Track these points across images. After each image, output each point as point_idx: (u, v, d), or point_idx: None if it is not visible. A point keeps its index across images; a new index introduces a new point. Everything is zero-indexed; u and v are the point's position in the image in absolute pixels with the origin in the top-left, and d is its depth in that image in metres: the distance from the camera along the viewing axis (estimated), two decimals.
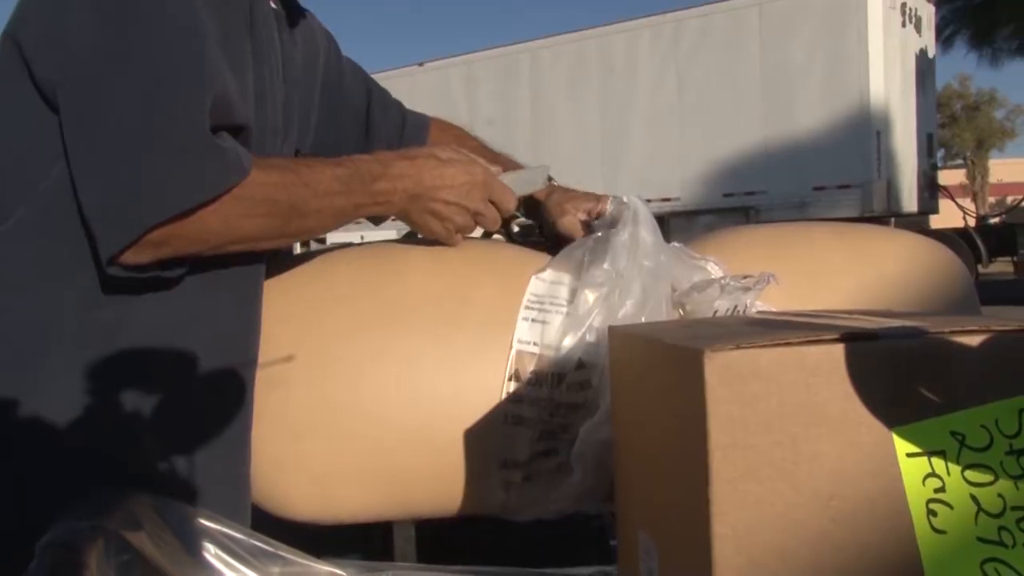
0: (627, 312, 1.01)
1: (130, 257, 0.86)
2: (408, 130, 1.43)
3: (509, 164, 1.31)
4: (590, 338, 1.01)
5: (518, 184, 1.17)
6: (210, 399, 0.98)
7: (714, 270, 1.08)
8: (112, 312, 0.93)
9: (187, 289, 0.96)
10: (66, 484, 0.86)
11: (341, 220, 1.02)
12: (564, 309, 1.04)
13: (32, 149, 0.93)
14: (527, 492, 1.02)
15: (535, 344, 1.03)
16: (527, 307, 1.05)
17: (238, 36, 0.99)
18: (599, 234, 1.09)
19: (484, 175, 1.11)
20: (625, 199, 1.10)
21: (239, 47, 0.99)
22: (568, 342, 1.02)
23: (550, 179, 1.27)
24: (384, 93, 1.46)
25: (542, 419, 1.01)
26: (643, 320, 1.00)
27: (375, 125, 1.38)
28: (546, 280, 1.08)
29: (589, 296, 1.02)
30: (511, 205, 1.15)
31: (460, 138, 1.44)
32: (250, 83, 1.01)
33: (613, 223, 1.09)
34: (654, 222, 1.08)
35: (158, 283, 0.93)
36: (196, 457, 0.95)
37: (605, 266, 1.04)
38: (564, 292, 1.06)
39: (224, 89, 0.90)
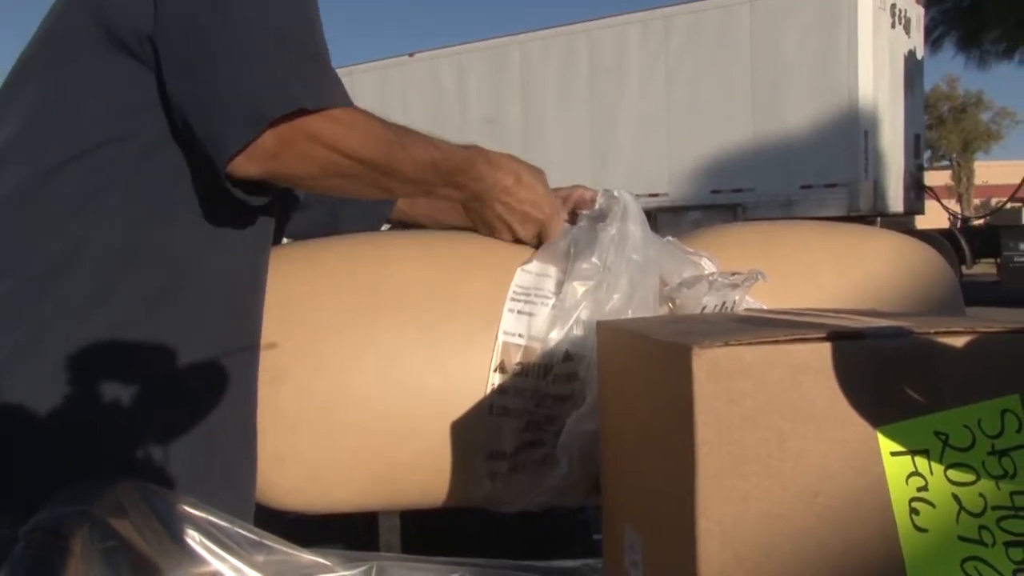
0: (614, 306, 1.01)
1: (242, 164, 0.89)
2: None
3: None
4: (577, 331, 1.02)
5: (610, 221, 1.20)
6: (215, 386, 0.97)
7: (707, 265, 1.08)
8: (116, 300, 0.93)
9: (194, 268, 0.96)
10: (63, 473, 0.86)
11: (420, 191, 1.09)
12: (550, 301, 1.05)
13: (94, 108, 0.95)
14: (513, 483, 1.02)
15: (520, 336, 1.03)
16: (513, 299, 1.06)
17: None
18: (583, 224, 1.10)
19: (548, 216, 1.14)
20: (616, 193, 1.10)
21: None
22: (555, 334, 1.02)
23: None
24: None
25: (528, 410, 1.02)
26: (630, 314, 1.01)
27: None
28: (532, 272, 1.08)
29: (577, 289, 1.03)
30: (555, 232, 1.17)
31: None
32: None
33: (602, 216, 1.09)
34: (643, 216, 1.08)
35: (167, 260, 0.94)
36: (201, 445, 0.95)
37: (593, 259, 1.04)
38: (550, 284, 1.06)
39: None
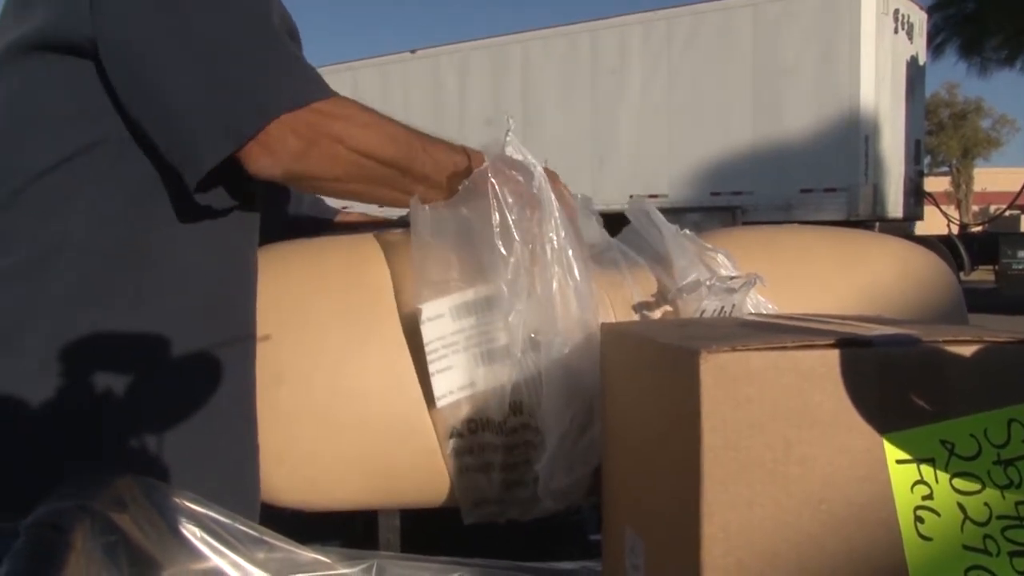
0: (531, 327, 0.94)
1: (265, 165, 0.90)
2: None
3: None
4: (516, 375, 0.95)
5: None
6: (204, 369, 0.97)
7: (722, 262, 1.05)
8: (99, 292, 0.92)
9: (179, 257, 0.96)
10: (56, 466, 0.86)
11: (440, 195, 1.04)
12: (465, 345, 0.96)
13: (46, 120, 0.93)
14: (509, 496, 1.01)
15: (452, 392, 0.96)
16: (431, 360, 0.96)
17: None
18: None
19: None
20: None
21: None
22: (490, 382, 0.95)
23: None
24: None
25: (499, 463, 0.99)
26: (559, 339, 0.93)
27: None
28: (433, 319, 0.97)
29: (485, 327, 0.95)
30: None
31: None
32: None
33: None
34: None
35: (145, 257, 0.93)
36: (193, 441, 0.94)
37: (503, 289, 0.94)
38: (458, 324, 0.97)
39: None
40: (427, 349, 0.95)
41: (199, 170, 0.89)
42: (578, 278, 0.95)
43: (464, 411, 0.97)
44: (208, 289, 0.98)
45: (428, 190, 1.03)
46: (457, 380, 0.96)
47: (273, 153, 0.89)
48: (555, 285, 0.95)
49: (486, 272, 0.95)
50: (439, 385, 0.95)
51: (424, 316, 0.95)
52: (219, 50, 0.89)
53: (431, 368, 0.95)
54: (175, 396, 0.95)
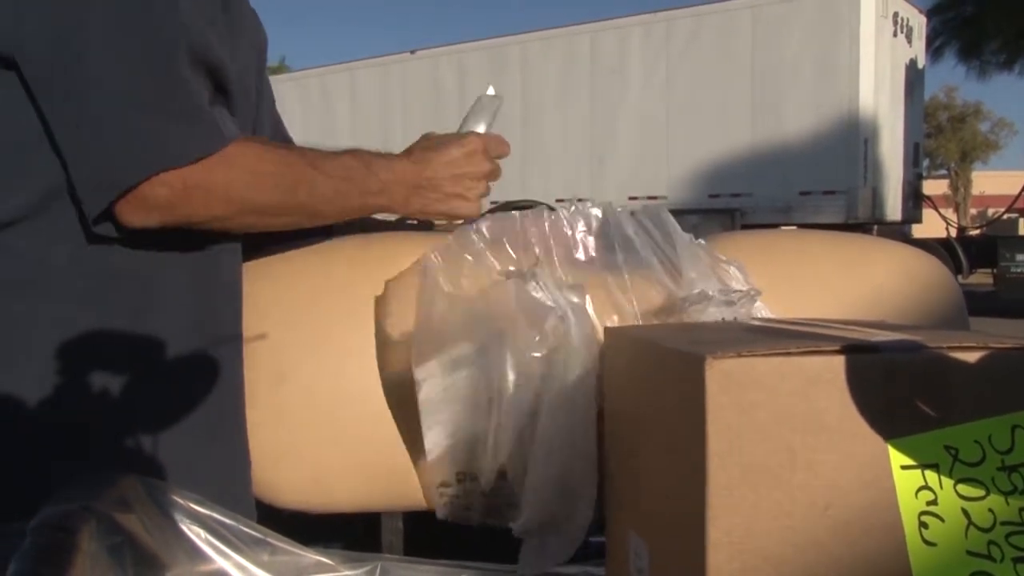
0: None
1: (135, 217, 0.87)
2: None
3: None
4: (503, 436, 0.92)
5: (486, 119, 1.16)
6: (192, 378, 0.97)
7: (735, 274, 1.02)
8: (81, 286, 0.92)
9: (156, 261, 0.95)
10: (39, 468, 0.86)
11: (347, 208, 1.01)
12: (457, 398, 0.94)
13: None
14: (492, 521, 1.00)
15: (439, 445, 0.95)
16: (426, 414, 0.94)
17: None
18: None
19: (475, 138, 1.10)
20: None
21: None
22: (480, 438, 0.93)
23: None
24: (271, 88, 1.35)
25: (487, 509, 0.98)
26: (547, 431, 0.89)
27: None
28: (425, 379, 0.94)
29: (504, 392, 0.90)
30: (506, 149, 1.13)
31: None
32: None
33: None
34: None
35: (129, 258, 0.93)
36: (181, 441, 0.94)
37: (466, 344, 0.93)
38: (449, 380, 0.94)
39: (201, 40, 0.90)
40: (420, 407, 0.94)
41: (87, 214, 0.87)
42: (575, 342, 0.91)
43: (450, 464, 0.96)
44: (188, 304, 0.98)
45: (329, 218, 1.02)
46: (444, 435, 0.95)
47: (145, 207, 0.87)
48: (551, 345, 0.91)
49: (478, 327, 0.94)
50: (429, 440, 0.94)
51: (417, 378, 0.94)
52: (107, 94, 0.85)
53: (424, 425, 0.94)
54: (161, 403, 0.94)
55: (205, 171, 0.87)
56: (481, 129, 1.14)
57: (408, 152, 1.09)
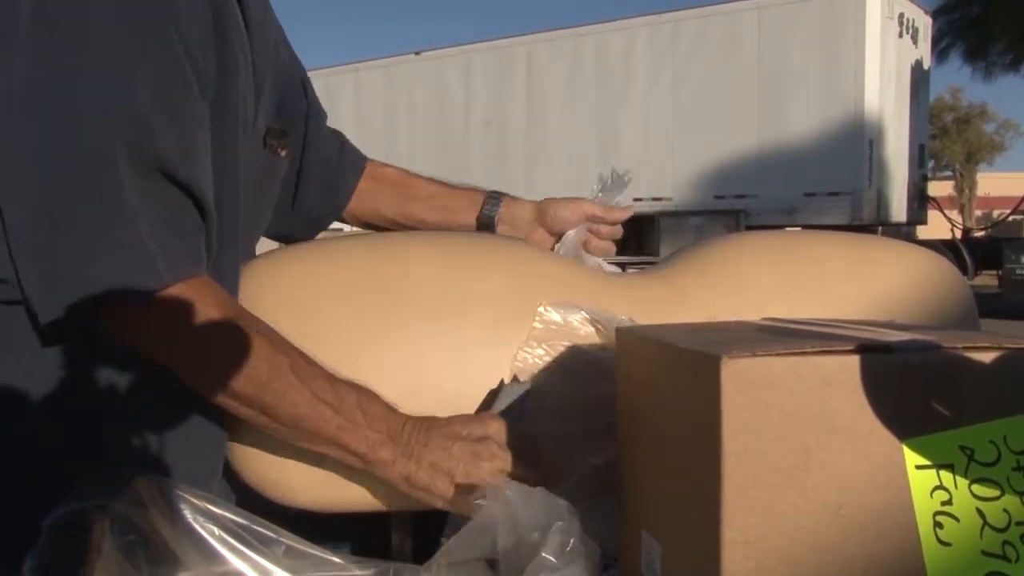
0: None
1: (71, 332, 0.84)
2: (343, 161, 1.32)
3: (467, 196, 1.30)
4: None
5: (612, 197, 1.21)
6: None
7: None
8: None
9: None
10: (35, 469, 0.86)
11: (308, 436, 0.93)
12: None
13: None
14: None
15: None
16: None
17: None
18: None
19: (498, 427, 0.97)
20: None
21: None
22: None
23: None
24: (318, 101, 1.30)
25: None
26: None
27: (310, 132, 1.26)
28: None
29: None
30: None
31: (398, 185, 1.34)
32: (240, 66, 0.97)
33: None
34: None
35: None
36: (165, 442, 0.94)
37: None
38: None
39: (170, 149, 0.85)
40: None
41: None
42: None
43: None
44: None
45: (286, 412, 0.93)
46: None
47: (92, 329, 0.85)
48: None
49: None
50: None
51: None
52: (65, 217, 0.81)
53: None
54: (158, 400, 0.94)
55: (157, 311, 0.84)
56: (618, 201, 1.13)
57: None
